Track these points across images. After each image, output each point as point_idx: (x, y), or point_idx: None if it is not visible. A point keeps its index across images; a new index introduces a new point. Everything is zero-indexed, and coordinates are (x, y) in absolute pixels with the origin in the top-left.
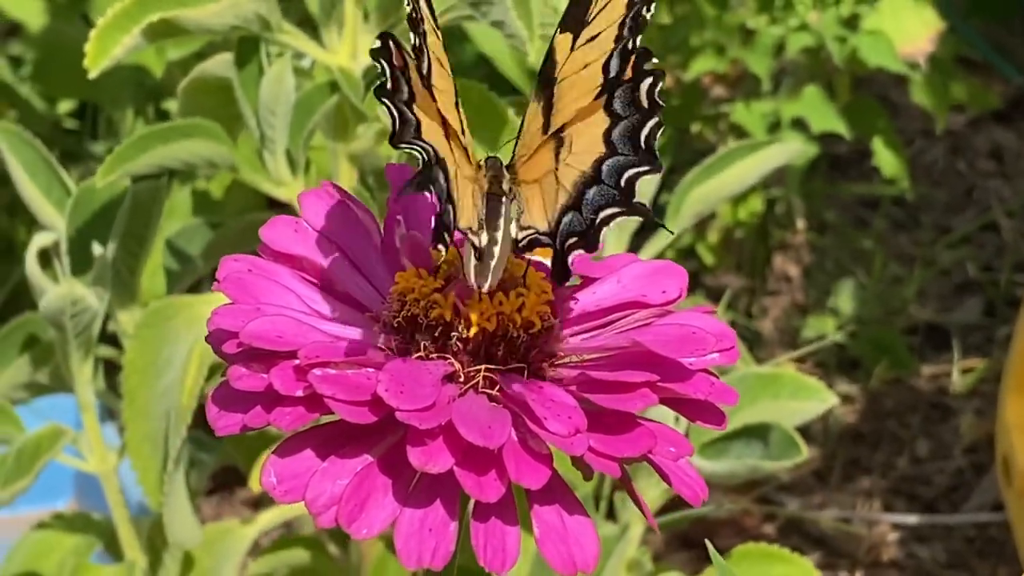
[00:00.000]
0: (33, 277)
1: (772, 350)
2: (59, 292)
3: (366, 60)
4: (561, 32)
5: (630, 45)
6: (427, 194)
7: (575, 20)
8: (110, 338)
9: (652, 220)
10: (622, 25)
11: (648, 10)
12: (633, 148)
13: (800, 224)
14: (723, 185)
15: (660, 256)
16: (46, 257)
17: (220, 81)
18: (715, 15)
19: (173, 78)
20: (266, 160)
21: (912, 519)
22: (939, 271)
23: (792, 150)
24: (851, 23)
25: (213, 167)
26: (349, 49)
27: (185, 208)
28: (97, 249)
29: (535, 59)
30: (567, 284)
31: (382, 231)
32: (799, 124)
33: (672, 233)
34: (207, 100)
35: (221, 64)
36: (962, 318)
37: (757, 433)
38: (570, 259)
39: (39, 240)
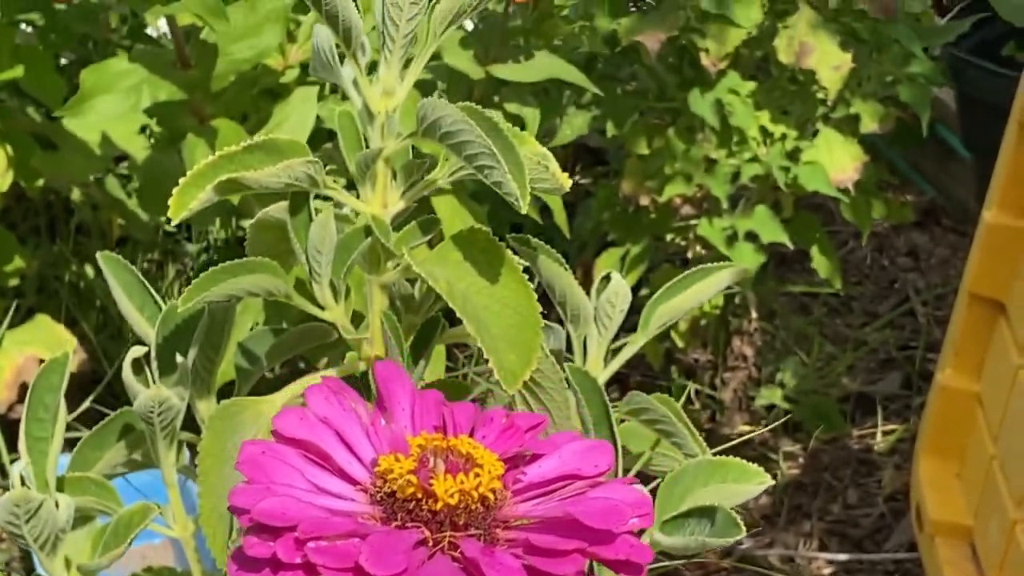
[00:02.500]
0: (128, 381)
1: (731, 415)
2: (148, 394)
3: (394, 209)
4: None
5: None
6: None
7: None
8: (192, 422)
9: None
10: None
11: None
12: None
13: (754, 314)
14: (684, 302)
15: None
16: (139, 363)
17: (278, 221)
18: (684, 149)
19: (247, 202)
20: (314, 289)
21: (843, 556)
22: (867, 349)
23: (740, 272)
24: (793, 156)
25: (272, 295)
26: (380, 200)
27: (256, 308)
28: (179, 358)
29: (525, 210)
30: (519, 458)
31: (370, 417)
32: (752, 236)
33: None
34: (268, 235)
35: (278, 209)
36: (885, 389)
37: (707, 513)
38: None
39: (133, 352)
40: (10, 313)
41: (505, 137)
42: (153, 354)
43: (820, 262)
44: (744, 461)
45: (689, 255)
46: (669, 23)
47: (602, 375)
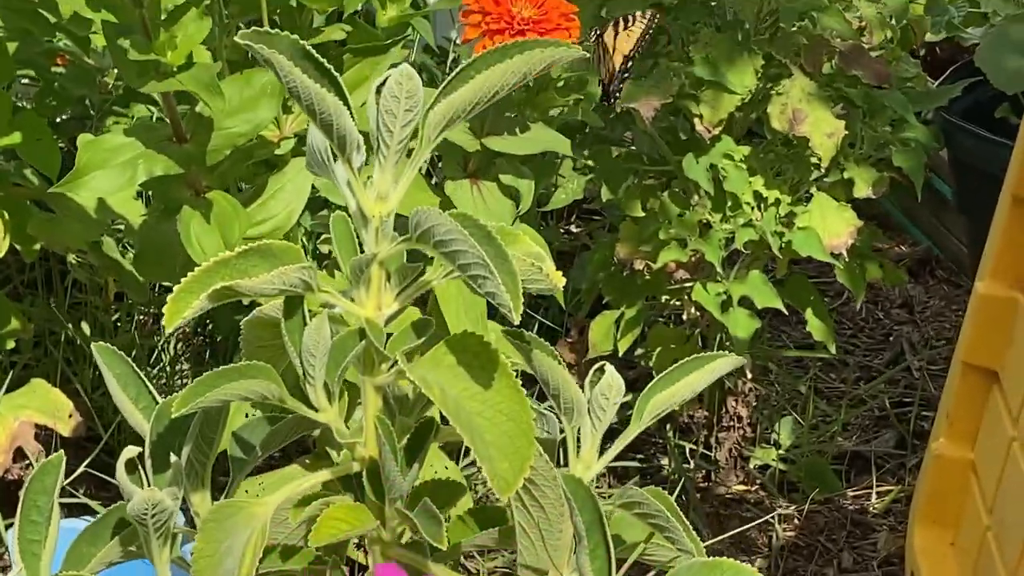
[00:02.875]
0: (122, 482)
1: (726, 475)
2: (142, 496)
3: (389, 311)
4: None
5: None
6: None
7: None
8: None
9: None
10: None
11: None
12: None
13: (748, 374)
14: (678, 392)
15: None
16: (133, 462)
17: (273, 319)
18: (678, 213)
19: None
20: (307, 391)
21: None
22: (861, 406)
23: (734, 361)
24: (787, 221)
25: (266, 399)
26: (375, 303)
27: None
28: (173, 457)
29: (518, 320)
30: None
31: None
32: (746, 300)
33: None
34: (264, 331)
35: (273, 308)
36: (880, 448)
37: None
38: None
39: (127, 453)
40: (9, 376)
41: (498, 246)
42: (147, 451)
43: (815, 324)
44: (738, 563)
45: (684, 316)
46: (663, 90)
47: (596, 466)
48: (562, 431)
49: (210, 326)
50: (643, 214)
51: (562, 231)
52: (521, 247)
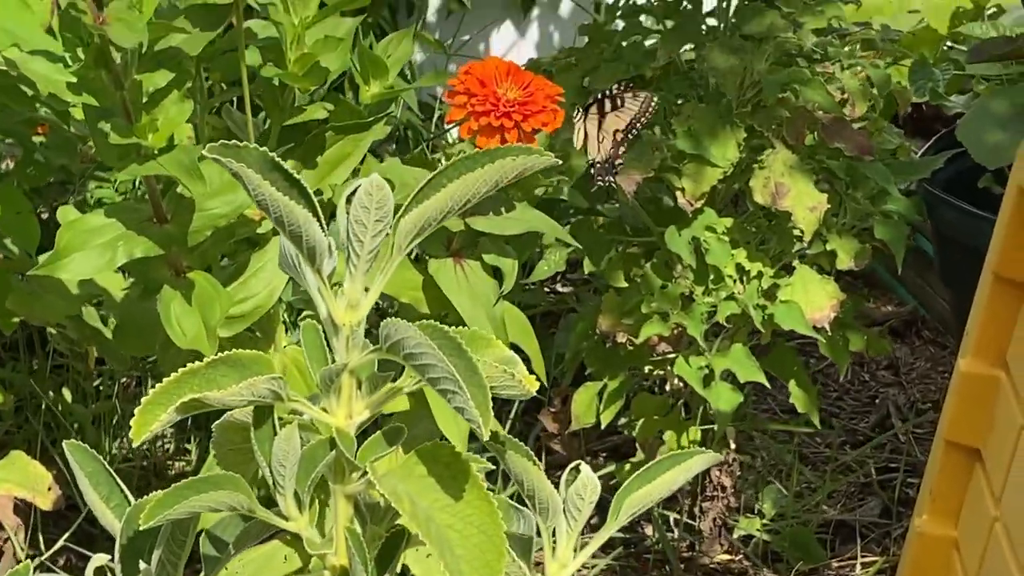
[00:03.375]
0: None
1: (710, 545)
2: None
3: (360, 419)
4: None
5: None
6: None
7: None
8: None
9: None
10: None
11: None
12: None
13: (732, 444)
14: (654, 490)
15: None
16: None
17: (244, 423)
18: (661, 285)
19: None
20: (278, 500)
21: None
22: (846, 473)
23: (712, 459)
24: (769, 294)
25: (235, 510)
26: (345, 412)
27: None
28: (143, 565)
29: (487, 437)
30: None
31: None
32: (729, 373)
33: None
34: (235, 435)
35: (244, 413)
36: (864, 517)
37: None
38: None
39: (95, 561)
40: None
41: (468, 360)
42: (117, 557)
43: (798, 396)
44: None
45: (668, 387)
46: (645, 163)
47: (571, 566)
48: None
49: None
50: (626, 284)
51: (548, 291)
52: (493, 352)
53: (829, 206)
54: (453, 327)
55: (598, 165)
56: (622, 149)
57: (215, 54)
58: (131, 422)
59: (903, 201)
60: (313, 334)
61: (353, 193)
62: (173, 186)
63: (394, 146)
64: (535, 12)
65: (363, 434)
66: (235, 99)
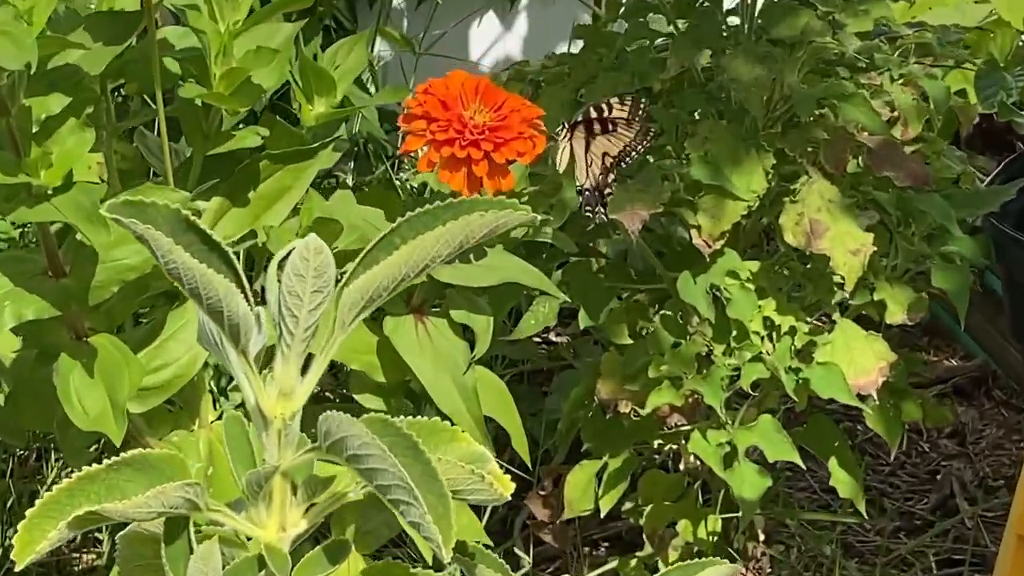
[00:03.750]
0: None
1: None
2: None
3: (295, 531)
4: None
5: None
6: None
7: None
8: None
9: None
10: None
11: None
12: None
13: (761, 536)
14: None
15: None
16: None
17: (154, 535)
18: (672, 343)
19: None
20: None
21: None
22: (901, 568)
23: (726, 572)
24: (804, 354)
25: None
26: (276, 523)
27: None
28: None
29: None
30: None
31: None
32: (755, 450)
33: None
34: (143, 549)
35: (155, 523)
36: None
37: None
38: None
39: None
40: None
41: (426, 462)
42: None
43: (840, 478)
44: None
45: (682, 465)
46: (653, 196)
47: None
48: None
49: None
50: (631, 341)
51: (539, 341)
52: (458, 448)
53: (876, 248)
54: (407, 421)
55: (586, 193)
56: (611, 177)
57: (126, 65)
58: (13, 539)
59: (966, 241)
60: (238, 428)
61: (286, 258)
62: (72, 232)
63: (351, 164)
64: (523, 1)
65: (299, 549)
66: (148, 124)
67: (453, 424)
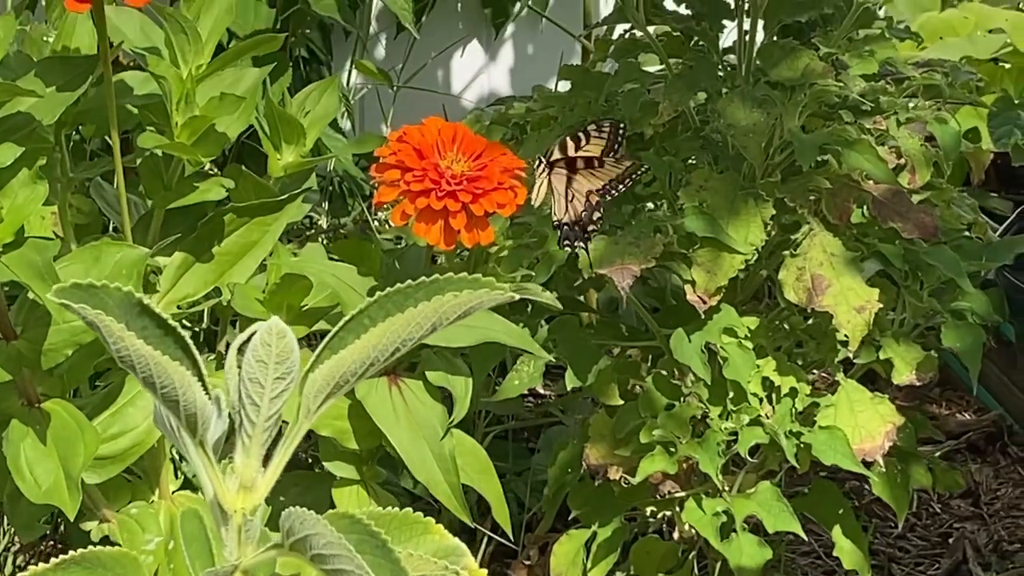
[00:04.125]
0: None
1: None
2: None
3: None
4: None
5: None
6: None
7: None
8: None
9: None
10: None
11: None
12: None
13: None
14: None
15: None
16: None
17: None
18: (666, 405)
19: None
20: None
21: None
22: None
23: None
24: (806, 417)
25: None
26: None
27: None
28: None
29: None
30: None
31: None
32: (754, 519)
33: None
34: None
35: None
36: None
37: None
38: None
39: None
40: None
41: (394, 561)
42: None
43: (844, 548)
44: None
45: (676, 533)
46: (645, 250)
47: None
48: None
49: (61, 526)
50: (621, 402)
51: (526, 395)
52: (431, 541)
53: (882, 304)
54: (377, 514)
55: (566, 228)
56: (597, 215)
57: (82, 112)
58: None
59: (978, 296)
60: (195, 523)
61: (247, 341)
62: (23, 291)
63: (326, 204)
64: (508, 30)
65: None
66: (106, 174)
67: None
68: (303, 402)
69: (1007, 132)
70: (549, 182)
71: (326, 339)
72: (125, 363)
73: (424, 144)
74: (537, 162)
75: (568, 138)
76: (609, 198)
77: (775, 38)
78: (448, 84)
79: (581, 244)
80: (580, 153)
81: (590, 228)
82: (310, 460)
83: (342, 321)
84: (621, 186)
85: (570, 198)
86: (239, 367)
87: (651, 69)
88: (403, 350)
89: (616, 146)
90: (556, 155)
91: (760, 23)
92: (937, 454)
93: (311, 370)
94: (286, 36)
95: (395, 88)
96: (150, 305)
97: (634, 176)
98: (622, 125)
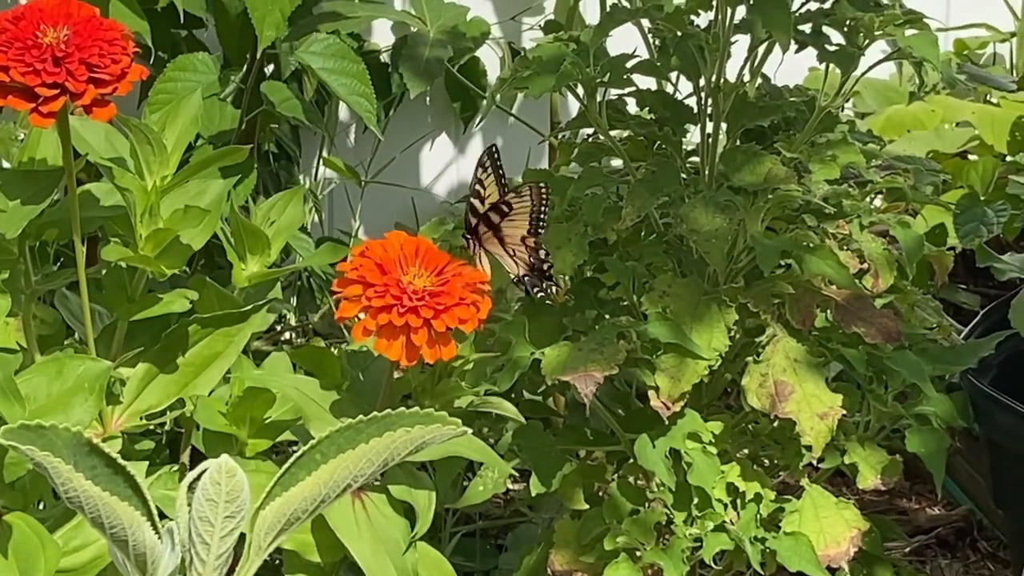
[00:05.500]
0: None
1: None
2: None
3: None
4: None
5: None
6: None
7: None
8: None
9: None
10: None
11: None
12: None
13: None
14: None
15: None
16: None
17: None
18: (631, 511)
19: None
20: None
21: None
22: None
23: None
24: (771, 522)
25: None
26: None
27: None
28: None
29: None
30: None
31: None
32: None
33: None
34: None
35: None
36: None
37: None
38: None
39: None
40: None
41: None
42: None
43: None
44: None
45: None
46: (608, 356)
47: None
48: None
49: None
50: (586, 506)
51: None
52: None
53: (846, 409)
54: None
55: (526, 279)
56: (543, 253)
57: (46, 225)
58: None
59: (942, 400)
60: None
61: (196, 480)
62: None
63: (295, 299)
64: (476, 124)
65: None
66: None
67: None
68: (254, 539)
69: (973, 229)
70: (485, 251)
71: (277, 475)
72: (74, 503)
73: (386, 259)
74: (464, 241)
75: (473, 199)
76: (543, 231)
77: (738, 142)
78: (417, 177)
79: (549, 285)
80: (487, 205)
81: (546, 267)
82: (278, 562)
83: (294, 457)
84: (542, 216)
85: (512, 253)
86: (189, 505)
87: (616, 163)
88: (356, 484)
89: (543, 206)
90: (472, 221)
91: (723, 127)
92: (907, 550)
93: (262, 507)
94: (253, 136)
95: (363, 184)
96: (99, 445)
97: (544, 200)
98: (542, 185)
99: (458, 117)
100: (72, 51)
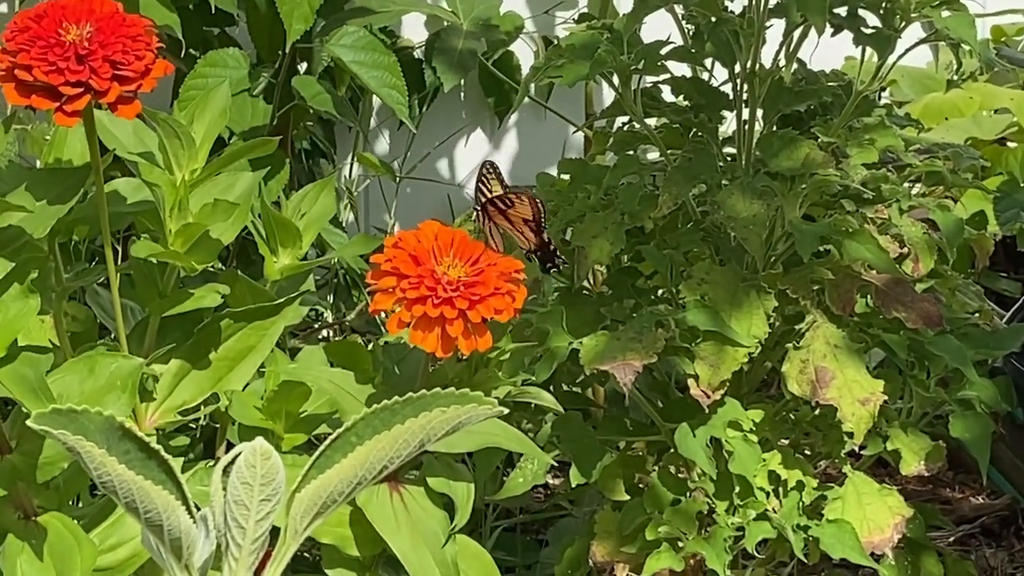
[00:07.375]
0: None
1: None
2: None
3: None
4: None
5: None
6: None
7: None
8: None
9: None
10: None
11: None
12: None
13: None
14: None
15: None
16: None
17: None
18: (672, 500)
19: None
20: None
21: None
22: None
23: None
24: (813, 510)
25: None
26: None
27: None
28: None
29: None
30: None
31: None
32: None
33: None
34: None
35: None
36: None
37: None
38: None
39: None
40: None
41: None
42: None
43: None
44: None
45: None
46: (647, 345)
47: None
48: None
49: None
50: (627, 497)
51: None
52: None
53: (887, 395)
54: None
55: (539, 254)
56: (546, 237)
57: (75, 222)
58: None
59: (985, 385)
60: None
61: (231, 464)
62: (17, 405)
63: (331, 297)
64: (512, 118)
65: None
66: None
67: None
68: (290, 523)
69: (1013, 216)
70: (495, 224)
71: (312, 458)
72: (107, 488)
73: (420, 250)
74: (474, 214)
75: (481, 185)
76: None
77: (774, 128)
78: (452, 172)
79: (560, 260)
80: (495, 194)
81: (552, 247)
82: (317, 558)
83: (329, 439)
84: (542, 222)
85: (519, 230)
86: (224, 489)
87: (652, 156)
88: (392, 467)
89: (542, 218)
90: (481, 198)
91: (759, 113)
92: (951, 539)
93: (297, 490)
94: (286, 132)
95: (398, 180)
96: (132, 429)
97: (543, 212)
98: (539, 201)
99: (493, 112)
100: (95, 48)
